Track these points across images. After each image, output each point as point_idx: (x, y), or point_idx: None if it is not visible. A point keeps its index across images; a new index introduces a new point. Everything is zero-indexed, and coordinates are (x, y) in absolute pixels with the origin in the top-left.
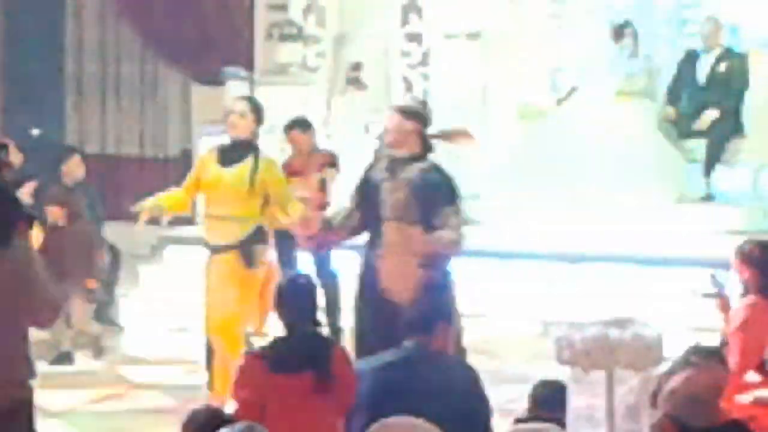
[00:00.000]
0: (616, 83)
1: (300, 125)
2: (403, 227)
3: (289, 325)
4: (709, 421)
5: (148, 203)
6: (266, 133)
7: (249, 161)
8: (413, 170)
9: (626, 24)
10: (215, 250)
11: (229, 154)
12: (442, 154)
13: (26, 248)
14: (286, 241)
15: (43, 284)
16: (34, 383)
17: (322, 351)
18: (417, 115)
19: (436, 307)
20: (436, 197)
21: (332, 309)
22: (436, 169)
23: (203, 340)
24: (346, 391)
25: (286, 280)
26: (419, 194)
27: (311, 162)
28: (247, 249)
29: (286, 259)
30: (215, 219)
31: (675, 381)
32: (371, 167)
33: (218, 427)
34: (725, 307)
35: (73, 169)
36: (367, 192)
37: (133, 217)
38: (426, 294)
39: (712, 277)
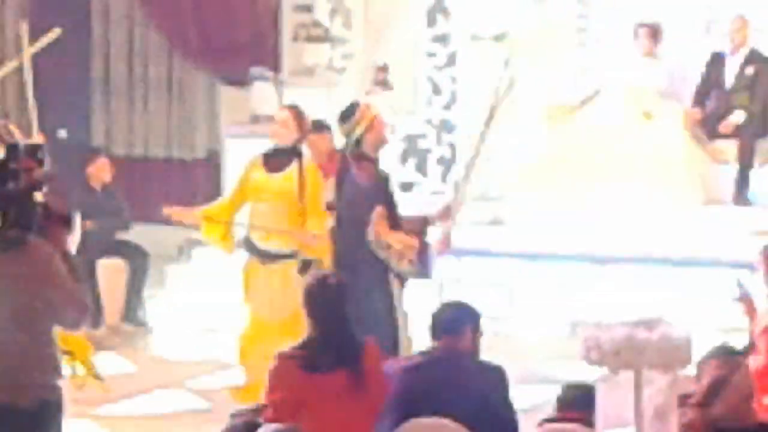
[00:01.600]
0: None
1: (316, 128)
2: None
3: (319, 325)
4: (742, 422)
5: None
6: None
7: (294, 166)
8: None
9: (642, 24)
10: (266, 256)
11: (274, 161)
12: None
13: (45, 247)
14: None
15: (64, 283)
16: (63, 384)
17: (354, 349)
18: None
19: (463, 310)
20: None
21: None
22: None
23: (234, 341)
24: (380, 390)
25: (315, 280)
26: None
27: (330, 163)
28: (303, 259)
29: None
30: (260, 231)
31: (706, 381)
32: None
33: None
34: (751, 311)
35: (100, 171)
36: None
37: (160, 219)
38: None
39: (738, 281)
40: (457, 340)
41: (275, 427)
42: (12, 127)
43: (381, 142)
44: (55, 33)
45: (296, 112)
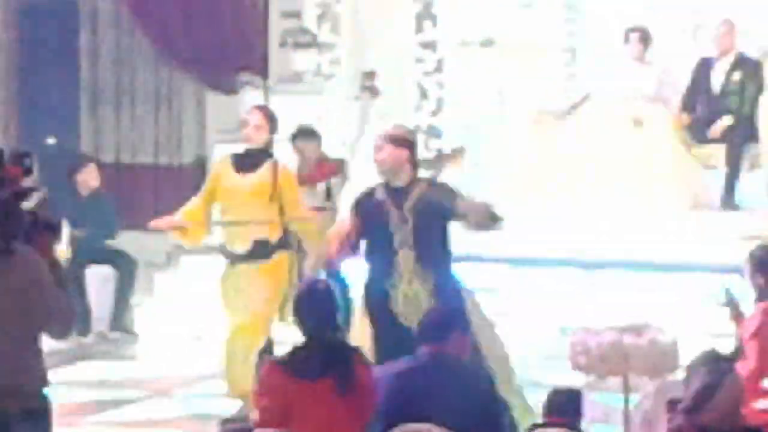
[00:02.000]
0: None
1: (303, 134)
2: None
3: (309, 332)
4: (730, 427)
5: (172, 223)
6: (282, 141)
7: (266, 167)
8: (414, 198)
9: (633, 29)
10: (236, 257)
11: (245, 162)
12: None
13: (33, 256)
14: None
15: (50, 292)
16: (50, 392)
17: (343, 356)
18: (406, 142)
19: (450, 314)
20: (443, 210)
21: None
22: (431, 184)
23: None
24: (368, 397)
25: (305, 287)
26: (427, 219)
27: (318, 171)
28: (264, 257)
29: None
30: (235, 226)
31: (695, 387)
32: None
33: None
34: (738, 316)
35: (88, 178)
36: (369, 217)
37: (148, 226)
38: (440, 302)
39: (726, 289)
40: (444, 345)
41: None
42: None
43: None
44: None
45: (268, 113)
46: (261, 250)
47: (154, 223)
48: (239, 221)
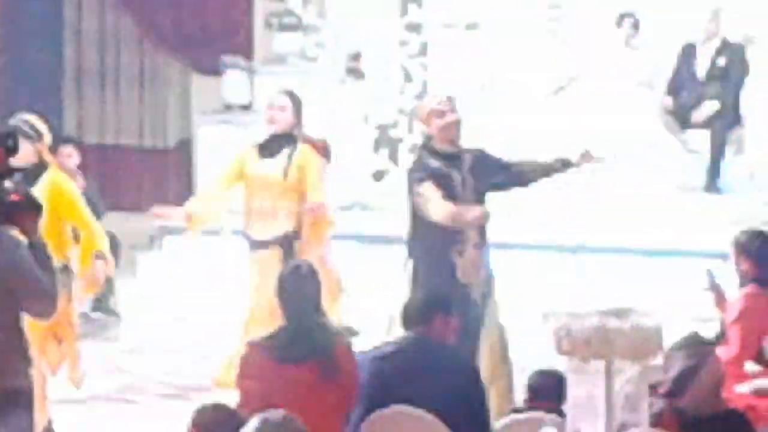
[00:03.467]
0: (616, 74)
1: None
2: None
3: (291, 315)
4: (711, 411)
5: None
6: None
7: (286, 152)
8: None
9: (627, 14)
10: (258, 244)
11: (269, 147)
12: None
13: (11, 236)
14: None
15: (32, 272)
16: (33, 372)
17: (325, 341)
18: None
19: (433, 298)
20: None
21: None
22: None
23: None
24: (350, 381)
25: (289, 270)
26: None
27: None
28: (287, 244)
29: None
30: (257, 213)
31: (676, 371)
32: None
33: (228, 421)
34: (721, 302)
35: (64, 159)
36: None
37: (131, 208)
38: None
39: (708, 272)
40: (426, 329)
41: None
42: None
43: None
44: None
45: (294, 98)
46: (283, 239)
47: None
48: (261, 208)
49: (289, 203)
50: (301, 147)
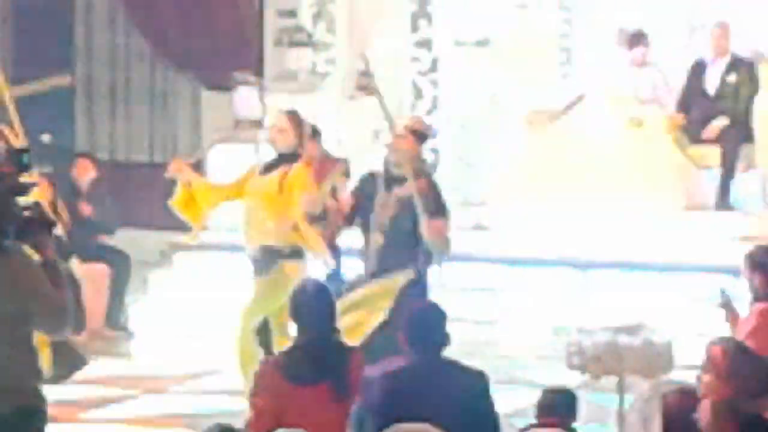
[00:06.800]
0: (624, 91)
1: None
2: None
3: (305, 333)
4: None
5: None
6: None
7: (282, 170)
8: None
9: (641, 33)
10: (255, 263)
11: (271, 165)
12: (451, 161)
13: (23, 253)
14: None
15: (43, 288)
16: (46, 390)
17: (339, 360)
18: (424, 138)
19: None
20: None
21: None
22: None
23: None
24: None
25: (301, 288)
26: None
27: (321, 169)
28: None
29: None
30: (251, 227)
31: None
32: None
33: None
34: (734, 318)
35: (82, 171)
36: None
37: (142, 225)
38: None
39: (722, 290)
40: (437, 345)
41: None
42: (7, 132)
43: None
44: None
45: (294, 118)
46: (267, 256)
47: (174, 165)
48: (255, 221)
49: (279, 219)
50: (296, 166)
